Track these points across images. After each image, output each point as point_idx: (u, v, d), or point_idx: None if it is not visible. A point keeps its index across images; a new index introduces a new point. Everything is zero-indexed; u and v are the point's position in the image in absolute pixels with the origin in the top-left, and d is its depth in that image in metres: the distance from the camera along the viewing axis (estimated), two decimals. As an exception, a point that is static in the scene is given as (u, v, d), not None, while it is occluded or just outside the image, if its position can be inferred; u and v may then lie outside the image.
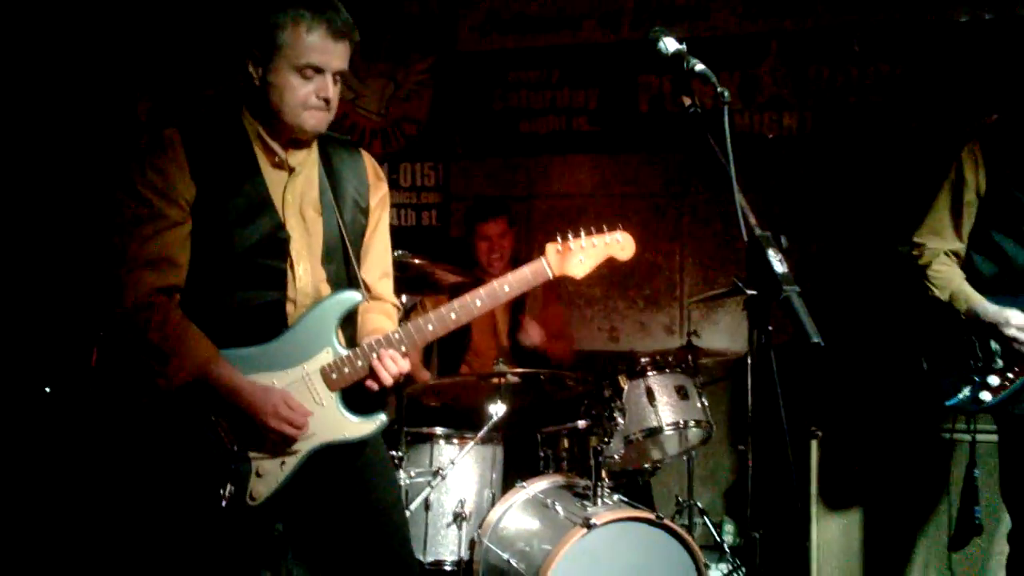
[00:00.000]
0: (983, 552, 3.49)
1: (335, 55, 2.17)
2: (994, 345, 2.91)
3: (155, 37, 4.89)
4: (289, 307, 2.22)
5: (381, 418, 2.26)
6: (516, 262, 3.58)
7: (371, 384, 2.23)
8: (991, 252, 2.97)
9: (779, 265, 1.64)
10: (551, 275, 2.32)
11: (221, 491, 2.11)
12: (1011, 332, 2.84)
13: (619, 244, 2.41)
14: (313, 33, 2.13)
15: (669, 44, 1.96)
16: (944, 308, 2.99)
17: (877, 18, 4.33)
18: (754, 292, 1.70)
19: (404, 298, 3.38)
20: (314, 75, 2.15)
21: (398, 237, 2.59)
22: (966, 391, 2.95)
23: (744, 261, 1.73)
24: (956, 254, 3.02)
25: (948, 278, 2.98)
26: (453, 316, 2.26)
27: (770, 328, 1.70)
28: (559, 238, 2.35)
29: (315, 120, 2.19)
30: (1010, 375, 2.89)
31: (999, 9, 4.21)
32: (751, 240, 1.68)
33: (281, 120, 2.19)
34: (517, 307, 4.15)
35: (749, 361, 3.46)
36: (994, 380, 2.90)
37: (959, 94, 4.27)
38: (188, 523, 2.15)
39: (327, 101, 2.18)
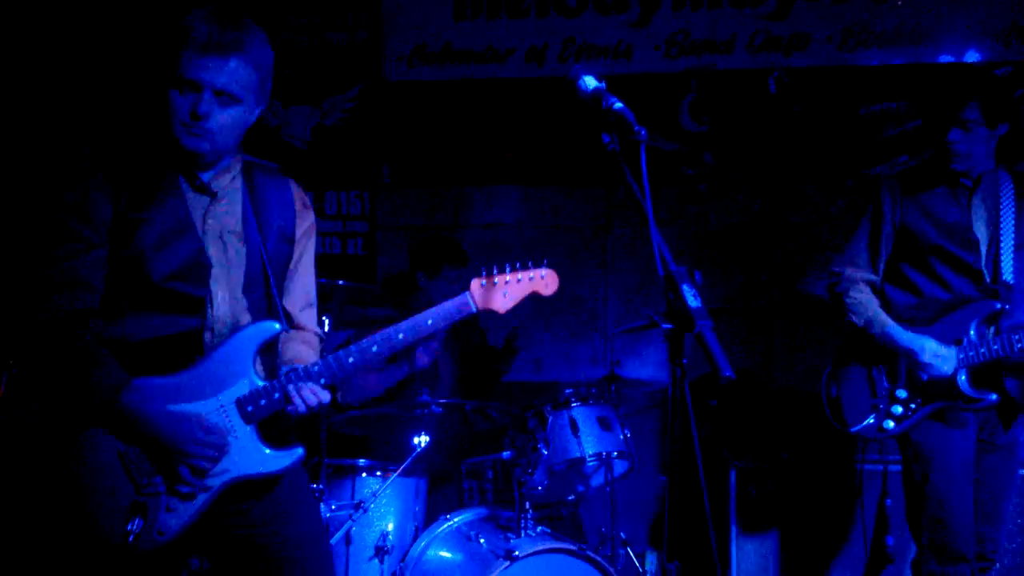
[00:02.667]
0: (895, 579, 3.60)
1: (213, 70, 2.06)
2: (901, 373, 3.03)
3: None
4: (207, 335, 2.17)
5: (298, 452, 2.22)
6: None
7: (289, 412, 2.18)
8: (903, 284, 3.10)
9: (693, 300, 1.68)
10: (475, 309, 2.32)
11: (128, 526, 2.04)
12: (926, 358, 2.95)
13: (543, 280, 2.42)
14: (190, 47, 2.05)
15: (589, 82, 1.99)
16: (854, 336, 3.11)
17: (793, 61, 4.50)
18: (670, 326, 1.73)
19: (327, 327, 3.36)
20: (188, 91, 2.08)
21: (323, 265, 2.57)
22: (871, 419, 3.07)
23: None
24: (871, 284, 3.13)
25: (865, 305, 3.08)
26: (375, 349, 2.23)
27: (685, 361, 1.73)
28: (484, 272, 2.35)
29: (189, 140, 2.10)
30: (913, 405, 3.01)
31: (912, 56, 4.42)
32: (667, 275, 1.72)
33: (171, 139, 2.12)
34: (465, 345, 4.15)
35: (670, 392, 3.51)
36: (897, 409, 3.03)
37: (870, 135, 4.46)
38: (93, 560, 2.06)
39: (199, 119, 2.08)
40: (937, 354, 2.94)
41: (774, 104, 4.54)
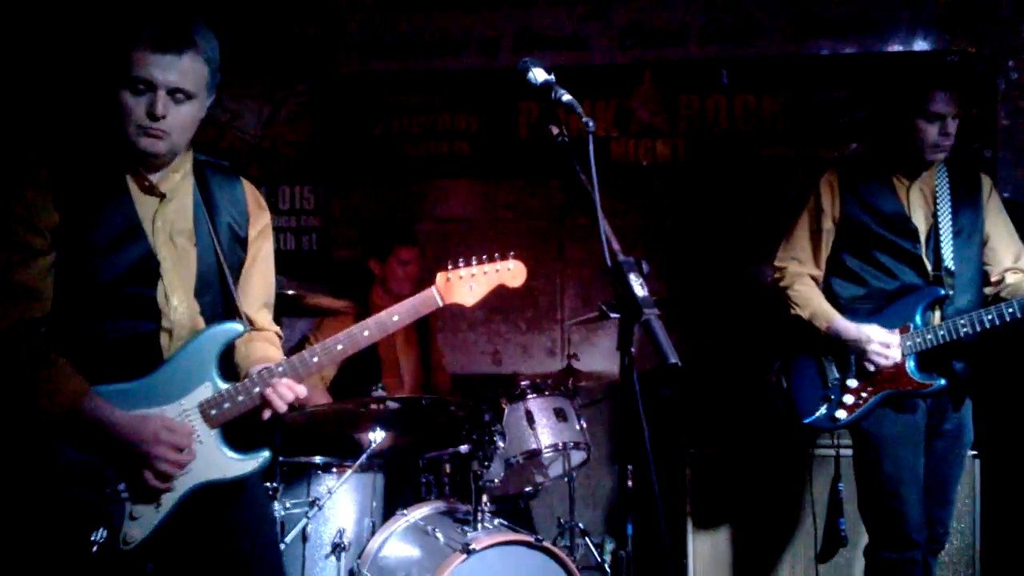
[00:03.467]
0: (848, 563, 3.65)
1: (166, 68, 2.02)
2: (851, 363, 3.05)
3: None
4: (164, 338, 2.14)
5: (264, 455, 2.19)
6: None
7: (264, 413, 2.16)
8: (847, 276, 3.13)
9: (640, 289, 1.69)
10: (441, 303, 2.30)
11: (92, 536, 2.00)
12: (872, 347, 2.98)
13: (510, 272, 2.40)
14: (141, 45, 2.02)
15: (538, 75, 2.00)
16: (803, 328, 3.13)
17: (745, 51, 4.54)
18: (618, 315, 1.73)
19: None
20: (145, 91, 2.04)
21: (277, 261, 2.53)
22: (823, 410, 3.10)
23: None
24: (815, 279, 3.17)
25: (808, 297, 3.12)
26: (339, 347, 2.21)
27: (633, 349, 1.74)
28: (449, 266, 2.32)
29: (146, 141, 2.06)
30: (864, 394, 3.05)
31: (859, 45, 4.48)
32: (614, 265, 1.73)
33: (124, 142, 2.09)
34: (423, 341, 4.14)
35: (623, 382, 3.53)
36: (848, 399, 3.05)
37: (821, 124, 4.52)
38: (56, 570, 2.01)
39: (159, 119, 2.04)
40: (884, 342, 2.97)
41: (727, 94, 4.57)
